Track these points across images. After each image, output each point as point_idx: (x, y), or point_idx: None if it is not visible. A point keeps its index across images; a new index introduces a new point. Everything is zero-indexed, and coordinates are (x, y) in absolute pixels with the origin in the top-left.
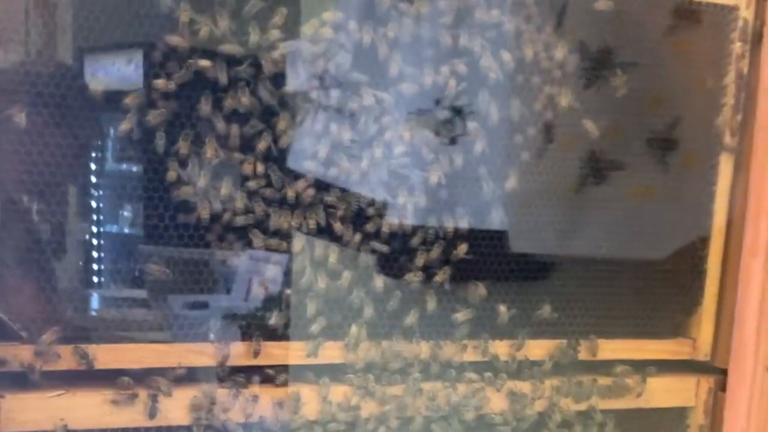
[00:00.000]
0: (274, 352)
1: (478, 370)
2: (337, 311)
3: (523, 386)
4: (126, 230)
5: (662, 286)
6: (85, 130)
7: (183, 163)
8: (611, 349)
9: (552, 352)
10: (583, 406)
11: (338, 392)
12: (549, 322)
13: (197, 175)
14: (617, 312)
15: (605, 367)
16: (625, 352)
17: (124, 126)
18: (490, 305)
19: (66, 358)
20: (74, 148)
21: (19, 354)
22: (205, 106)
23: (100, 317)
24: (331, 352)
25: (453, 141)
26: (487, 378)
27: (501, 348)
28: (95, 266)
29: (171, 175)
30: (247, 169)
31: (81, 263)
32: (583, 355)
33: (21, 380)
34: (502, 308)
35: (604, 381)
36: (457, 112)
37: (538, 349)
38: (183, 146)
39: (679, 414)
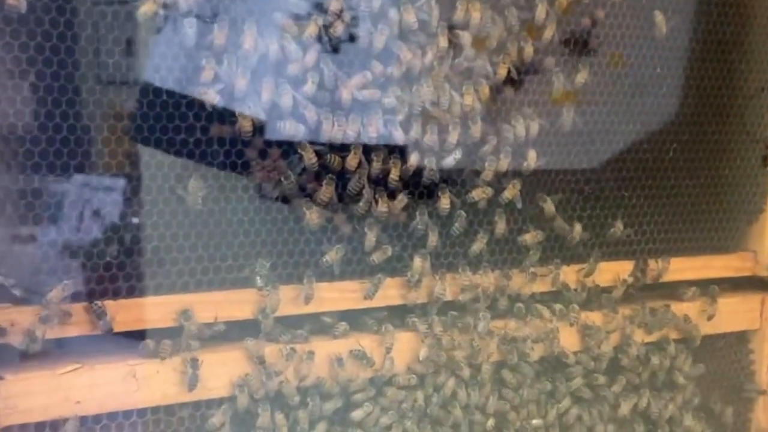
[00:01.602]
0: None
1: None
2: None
3: (595, 317)
4: None
5: (724, 194)
6: None
7: None
8: (677, 269)
9: (621, 276)
10: (655, 337)
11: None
12: (617, 241)
13: None
14: (680, 225)
15: (670, 288)
16: (691, 271)
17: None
18: (559, 225)
19: (78, 321)
20: None
21: (20, 320)
22: None
23: None
24: (392, 292)
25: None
26: (558, 311)
27: (570, 275)
28: None
29: None
30: (294, 69)
31: None
32: (650, 276)
33: (23, 356)
34: (577, 227)
35: (677, 308)
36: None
37: (606, 273)
38: None
39: (741, 338)
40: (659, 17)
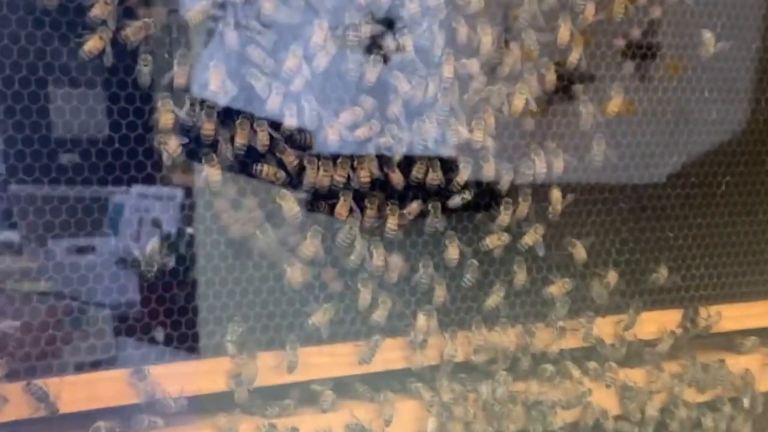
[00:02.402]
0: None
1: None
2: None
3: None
4: None
5: None
6: None
7: None
8: (733, 317)
9: (667, 327)
10: (708, 397)
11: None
12: (662, 288)
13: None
14: (735, 268)
15: (725, 339)
16: (750, 319)
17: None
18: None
19: (15, 403)
20: None
21: None
22: None
23: None
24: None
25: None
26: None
27: (606, 328)
28: None
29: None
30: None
31: None
32: (701, 326)
33: None
34: (612, 274)
35: (734, 361)
36: None
37: (649, 324)
38: None
39: None
40: (707, 35)
